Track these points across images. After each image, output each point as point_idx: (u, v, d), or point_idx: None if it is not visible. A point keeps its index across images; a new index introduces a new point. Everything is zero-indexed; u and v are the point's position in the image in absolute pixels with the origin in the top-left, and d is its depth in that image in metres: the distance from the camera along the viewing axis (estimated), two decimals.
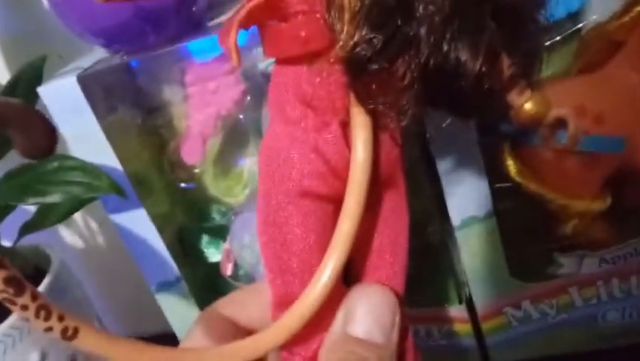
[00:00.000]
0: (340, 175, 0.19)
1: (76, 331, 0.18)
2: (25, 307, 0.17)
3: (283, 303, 0.20)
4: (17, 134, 0.16)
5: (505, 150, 0.33)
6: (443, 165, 0.32)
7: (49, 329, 0.18)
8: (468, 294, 0.37)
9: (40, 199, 0.32)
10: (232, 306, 0.23)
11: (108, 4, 0.20)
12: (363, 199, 0.19)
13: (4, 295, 0.17)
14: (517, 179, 0.33)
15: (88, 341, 0.18)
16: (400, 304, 0.20)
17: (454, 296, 0.39)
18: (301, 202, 0.19)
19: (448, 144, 0.32)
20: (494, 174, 0.33)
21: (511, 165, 0.33)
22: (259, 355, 0.20)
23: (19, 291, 0.17)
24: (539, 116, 0.21)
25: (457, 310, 0.38)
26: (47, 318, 0.17)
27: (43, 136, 0.17)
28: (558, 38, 0.33)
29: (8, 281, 0.17)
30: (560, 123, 0.22)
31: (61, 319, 0.18)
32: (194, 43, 0.37)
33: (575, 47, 0.33)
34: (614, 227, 0.34)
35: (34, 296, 0.17)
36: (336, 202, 0.20)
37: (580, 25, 0.33)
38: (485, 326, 0.38)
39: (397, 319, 0.20)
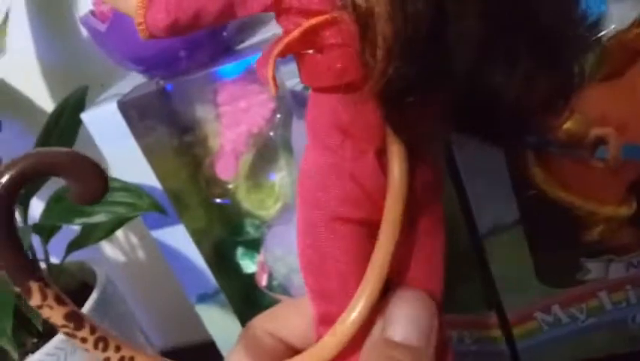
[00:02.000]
0: (376, 201, 0.20)
1: (132, 360, 0.19)
2: (84, 340, 0.19)
3: (325, 321, 0.21)
4: (70, 181, 0.17)
5: (530, 157, 0.34)
6: (469, 174, 0.33)
7: (108, 359, 0.19)
8: (498, 300, 0.38)
9: (86, 220, 0.35)
10: (274, 321, 0.24)
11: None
12: (399, 224, 0.20)
13: (66, 329, 0.18)
14: (543, 186, 0.34)
15: None
16: (438, 310, 0.21)
17: (484, 302, 0.39)
18: (337, 227, 0.20)
19: (473, 153, 0.33)
20: (520, 181, 0.34)
21: (536, 172, 0.34)
22: None
23: (79, 325, 0.18)
24: (580, 135, 0.21)
25: (487, 316, 0.39)
26: (105, 349, 0.19)
27: (95, 182, 0.17)
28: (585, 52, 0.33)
29: (69, 317, 0.18)
30: (600, 142, 0.22)
31: (117, 349, 0.19)
32: (225, 67, 0.38)
33: (595, 56, 0.34)
34: None
35: (93, 329, 0.19)
36: (372, 226, 0.20)
37: (599, 34, 0.33)
38: (516, 331, 0.38)
39: (435, 323, 0.20)
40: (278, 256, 0.42)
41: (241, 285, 0.45)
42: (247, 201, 0.45)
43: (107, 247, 0.58)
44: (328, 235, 0.20)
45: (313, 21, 0.17)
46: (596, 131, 0.21)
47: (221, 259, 0.45)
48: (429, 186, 0.21)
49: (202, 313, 0.43)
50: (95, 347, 0.19)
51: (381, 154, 0.20)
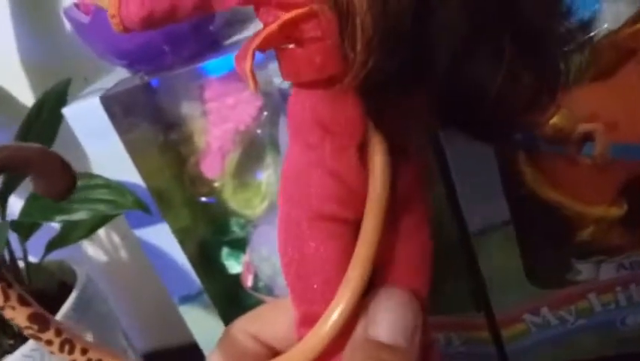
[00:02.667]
0: (358, 198, 0.19)
1: None
2: (49, 343, 0.18)
3: (307, 322, 0.20)
4: (37, 177, 0.17)
5: (521, 157, 0.34)
6: (459, 173, 0.33)
7: None
8: (486, 301, 0.37)
9: (66, 217, 0.34)
10: (255, 323, 0.23)
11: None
12: (381, 221, 0.19)
13: (30, 331, 0.18)
14: (533, 186, 0.34)
15: None
16: (422, 309, 0.20)
17: (472, 303, 0.39)
18: (320, 224, 0.20)
19: (463, 152, 0.32)
20: (510, 181, 0.33)
21: (527, 172, 0.34)
22: None
23: (43, 327, 0.18)
24: (567, 131, 0.20)
25: (475, 318, 0.38)
26: (71, 351, 0.18)
27: (62, 178, 0.17)
28: (570, 47, 0.33)
29: (33, 318, 0.18)
30: (587, 138, 0.22)
31: (84, 352, 0.18)
32: (212, 62, 0.38)
33: (587, 55, 0.34)
34: (631, 233, 0.34)
35: (59, 331, 0.18)
36: (355, 223, 0.20)
37: (592, 33, 0.33)
38: (504, 333, 0.38)
39: (419, 322, 0.20)
40: (264, 256, 0.41)
41: (226, 286, 0.44)
42: (233, 200, 0.44)
43: (88, 247, 0.57)
44: (310, 234, 0.20)
45: (292, 14, 0.17)
46: (583, 127, 0.21)
47: (206, 259, 0.44)
48: (413, 182, 0.21)
49: (185, 315, 0.42)
50: (61, 349, 0.18)
51: (363, 149, 0.19)
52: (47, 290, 0.42)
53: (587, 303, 0.36)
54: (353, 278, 0.19)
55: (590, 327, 0.36)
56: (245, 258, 0.44)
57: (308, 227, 0.20)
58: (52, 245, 0.41)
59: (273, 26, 0.17)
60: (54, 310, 0.39)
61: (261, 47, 0.18)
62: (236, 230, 0.45)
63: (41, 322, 0.17)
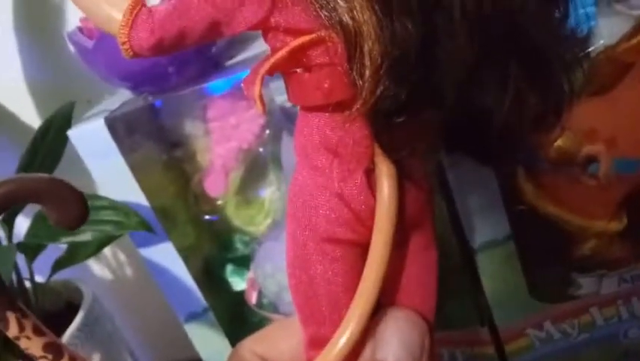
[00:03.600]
0: (365, 221, 0.20)
1: None
2: None
3: (315, 344, 0.21)
4: (49, 207, 0.17)
5: (520, 173, 0.34)
6: (459, 190, 0.33)
7: None
8: (490, 316, 0.37)
9: (72, 238, 0.34)
10: (263, 343, 0.24)
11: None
12: (389, 244, 0.19)
13: (45, 360, 0.18)
14: (534, 202, 0.34)
15: None
16: (429, 330, 0.21)
17: (476, 319, 0.39)
18: (327, 247, 0.20)
19: (464, 169, 0.33)
20: (511, 197, 0.34)
21: (527, 187, 0.34)
22: None
23: (58, 356, 0.18)
24: (571, 153, 0.20)
25: (479, 333, 0.39)
26: None
27: (74, 207, 0.17)
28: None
29: (48, 347, 0.18)
30: (590, 161, 0.22)
31: None
32: (214, 83, 0.38)
33: (585, 71, 0.34)
34: (632, 246, 0.34)
35: (73, 358, 0.18)
36: (362, 246, 0.20)
37: (589, 49, 0.33)
38: (508, 348, 0.38)
39: (427, 343, 0.20)
40: (268, 273, 0.41)
41: (230, 303, 0.44)
42: (237, 217, 0.44)
43: (94, 265, 0.58)
44: (317, 257, 0.20)
45: (300, 40, 0.17)
46: (586, 150, 0.21)
47: (211, 277, 0.45)
48: (419, 205, 0.21)
49: (191, 333, 0.42)
50: None
51: (370, 174, 0.19)
52: (54, 310, 0.42)
53: (590, 317, 0.36)
54: (361, 301, 0.20)
55: (593, 341, 0.37)
56: (249, 275, 0.44)
57: (315, 249, 0.20)
58: (59, 265, 0.42)
59: (282, 52, 0.17)
60: (61, 329, 0.39)
61: (270, 72, 0.18)
62: (240, 247, 0.46)
63: (56, 351, 0.18)
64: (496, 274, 0.35)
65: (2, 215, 0.17)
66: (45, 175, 0.17)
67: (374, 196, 0.19)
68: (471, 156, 0.20)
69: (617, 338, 0.36)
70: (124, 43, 0.20)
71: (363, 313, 0.19)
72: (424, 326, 0.21)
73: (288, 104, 0.39)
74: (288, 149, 0.41)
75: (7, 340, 0.36)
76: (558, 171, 0.33)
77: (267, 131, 0.41)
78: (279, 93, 0.40)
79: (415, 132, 0.18)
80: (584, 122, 0.32)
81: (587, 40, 0.34)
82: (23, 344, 0.17)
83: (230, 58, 0.40)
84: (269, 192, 0.44)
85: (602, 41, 0.33)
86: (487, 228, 0.34)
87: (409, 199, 0.20)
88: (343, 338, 0.19)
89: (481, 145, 0.19)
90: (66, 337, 0.39)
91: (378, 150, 0.19)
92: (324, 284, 0.20)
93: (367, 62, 0.16)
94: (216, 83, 0.38)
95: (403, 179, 0.20)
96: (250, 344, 0.24)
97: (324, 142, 0.19)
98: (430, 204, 0.22)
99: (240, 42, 0.41)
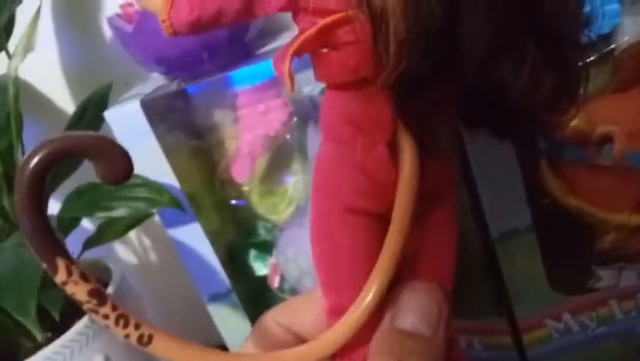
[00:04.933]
0: (387, 193, 0.20)
1: (150, 338, 0.20)
2: (106, 316, 0.19)
3: (336, 313, 0.21)
4: (98, 163, 0.18)
5: (543, 165, 0.34)
6: (482, 179, 0.34)
7: (127, 336, 0.20)
8: (509, 306, 0.38)
9: (106, 213, 0.35)
10: (287, 314, 0.24)
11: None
12: (410, 215, 0.20)
13: (89, 305, 0.19)
14: (556, 194, 0.34)
15: (161, 347, 0.20)
16: (447, 302, 0.21)
17: (494, 309, 0.39)
18: (350, 218, 0.21)
19: (486, 159, 0.33)
20: (533, 188, 0.34)
21: (549, 179, 0.35)
22: None
23: (101, 302, 0.19)
24: (586, 133, 0.21)
25: (497, 323, 0.39)
26: (125, 326, 0.20)
27: (121, 163, 0.18)
28: (592, 59, 0.34)
29: (92, 293, 0.19)
30: (606, 140, 0.23)
31: (137, 327, 0.20)
32: (245, 70, 0.39)
33: (608, 67, 0.34)
34: None
35: (114, 307, 0.19)
36: (383, 217, 0.21)
37: (612, 45, 0.34)
38: (526, 339, 0.38)
39: (444, 314, 0.21)
40: (290, 258, 0.42)
41: (253, 287, 0.45)
42: (260, 205, 0.45)
43: (120, 249, 0.59)
44: (341, 227, 0.21)
45: (329, 19, 0.18)
46: (601, 129, 0.22)
47: (234, 261, 0.46)
48: (441, 179, 0.22)
49: (213, 313, 0.43)
50: (116, 323, 0.19)
51: (392, 146, 0.20)
52: None
53: (608, 310, 0.36)
54: (381, 270, 0.20)
55: (611, 334, 0.37)
56: (271, 260, 0.45)
57: (338, 220, 0.21)
58: (89, 243, 0.43)
59: (311, 31, 0.18)
60: None
61: (299, 51, 0.19)
62: (262, 233, 0.47)
63: (99, 297, 0.19)
64: (516, 264, 0.36)
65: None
66: (93, 133, 0.18)
67: (396, 169, 0.20)
68: (489, 130, 0.21)
69: (635, 331, 0.36)
70: (164, 21, 0.21)
71: (383, 282, 0.20)
72: (442, 296, 0.21)
73: (316, 94, 0.40)
74: (315, 137, 0.42)
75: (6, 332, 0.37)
76: (580, 164, 0.34)
77: (295, 119, 0.42)
78: (307, 83, 0.41)
79: (436, 106, 0.19)
80: (608, 117, 0.32)
81: (610, 37, 0.35)
82: (70, 289, 0.18)
83: (261, 47, 0.41)
84: (293, 181, 0.45)
85: (626, 38, 0.34)
86: (508, 217, 0.35)
87: (430, 172, 0.21)
88: (362, 306, 0.20)
89: (499, 120, 0.20)
90: None
91: (400, 125, 0.20)
92: (346, 254, 0.21)
93: (392, 38, 0.17)
94: (246, 71, 0.39)
95: (424, 153, 0.20)
96: (274, 315, 0.25)
97: (348, 117, 0.20)
98: (452, 180, 0.23)
99: (270, 32, 0.42)
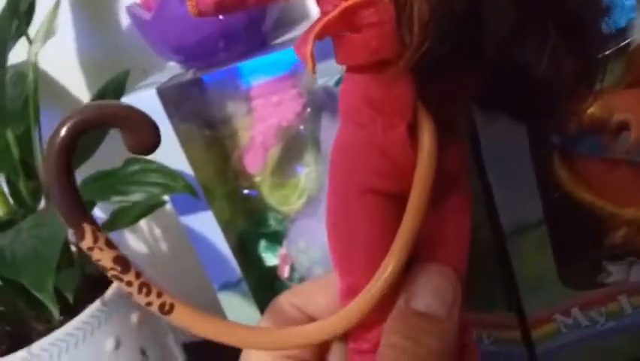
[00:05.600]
0: (405, 174, 0.20)
1: (172, 307, 0.20)
2: (129, 284, 0.20)
3: (350, 293, 0.21)
4: (127, 133, 0.18)
5: (556, 158, 0.35)
6: (494, 173, 0.34)
7: (149, 304, 0.20)
8: (518, 300, 0.38)
9: (123, 198, 0.36)
10: (300, 295, 0.25)
11: (196, 19, 0.22)
12: (427, 197, 0.20)
13: (113, 272, 0.19)
14: (568, 187, 0.35)
15: (182, 316, 0.20)
16: (461, 284, 0.21)
17: (504, 302, 0.40)
18: (367, 199, 0.21)
19: (499, 152, 0.33)
20: (545, 182, 0.34)
21: (561, 173, 0.35)
22: (324, 339, 0.21)
23: (125, 269, 0.19)
24: (602, 120, 0.21)
25: (506, 317, 0.39)
26: (148, 294, 0.20)
27: (150, 135, 0.19)
28: (607, 53, 0.34)
29: (117, 260, 0.19)
30: (622, 128, 0.23)
31: (159, 295, 0.20)
32: (260, 60, 0.40)
33: (623, 61, 0.35)
34: None
35: (138, 274, 0.20)
36: (401, 199, 0.21)
37: (627, 40, 0.34)
38: (535, 333, 0.38)
39: (458, 297, 0.21)
40: (301, 248, 0.43)
41: (263, 277, 0.46)
42: (271, 197, 0.46)
43: (131, 238, 0.60)
44: (358, 207, 0.21)
45: (352, 1, 0.18)
46: (618, 116, 0.22)
47: (244, 251, 0.46)
48: (458, 164, 0.22)
49: (224, 301, 0.43)
50: (139, 291, 0.20)
51: (411, 129, 0.20)
52: (95, 274, 0.44)
53: (618, 305, 0.36)
54: (397, 251, 0.20)
55: (620, 329, 0.37)
56: (282, 250, 0.45)
57: (355, 201, 0.21)
58: (102, 230, 0.43)
59: (334, 13, 0.18)
60: (102, 292, 0.41)
61: (321, 34, 0.19)
62: (273, 224, 0.47)
63: (124, 264, 0.19)
64: (526, 258, 0.36)
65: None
66: (123, 103, 0.19)
67: (415, 151, 0.20)
68: (506, 112, 0.21)
69: None
70: (190, 0, 0.21)
71: (398, 263, 0.20)
72: (456, 280, 0.22)
73: (331, 85, 0.40)
74: (328, 129, 0.42)
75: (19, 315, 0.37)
76: (592, 158, 0.34)
77: (308, 110, 0.42)
78: (321, 74, 0.41)
79: (456, 89, 0.19)
80: (625, 107, 0.33)
81: (625, 32, 0.35)
82: (96, 255, 0.19)
83: (277, 38, 0.41)
84: (305, 172, 0.45)
85: None
86: (520, 211, 0.35)
87: (449, 155, 0.21)
88: (376, 286, 0.20)
89: (518, 103, 0.20)
90: (105, 299, 0.41)
91: (420, 107, 0.20)
92: (363, 234, 0.21)
93: (416, 19, 0.17)
94: (261, 61, 0.39)
95: (443, 137, 0.20)
96: (288, 296, 0.25)
97: (367, 99, 0.20)
98: (466, 165, 0.23)
99: (286, 23, 0.43)
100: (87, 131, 0.18)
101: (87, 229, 0.19)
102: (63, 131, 0.18)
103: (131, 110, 0.18)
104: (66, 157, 0.18)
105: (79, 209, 0.19)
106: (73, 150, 0.18)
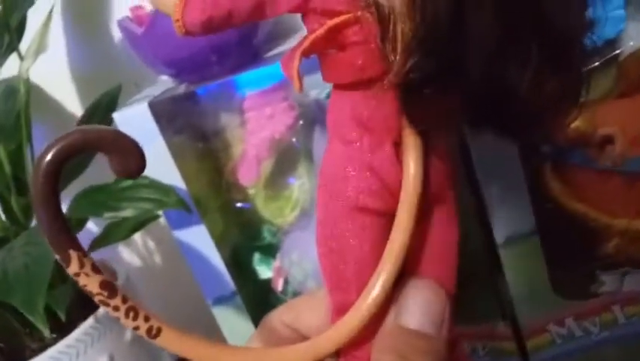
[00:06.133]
0: (393, 192, 0.21)
1: (159, 330, 0.20)
2: (116, 308, 0.20)
3: (341, 310, 0.21)
4: (113, 157, 0.18)
5: (547, 169, 0.35)
6: (487, 184, 0.34)
7: (137, 328, 0.20)
8: (512, 311, 0.38)
9: (113, 213, 0.36)
10: (291, 313, 0.25)
11: (185, 37, 0.22)
12: (414, 214, 0.20)
13: (100, 297, 0.19)
14: (560, 198, 0.35)
15: (170, 340, 0.20)
16: (449, 301, 0.21)
17: (498, 313, 0.40)
18: (356, 216, 0.21)
19: (491, 164, 0.33)
20: (537, 193, 0.35)
21: (553, 184, 0.35)
22: (315, 360, 0.21)
23: (112, 294, 0.19)
24: (587, 134, 0.21)
25: (501, 328, 0.39)
26: (135, 318, 0.20)
27: (135, 159, 0.19)
28: (597, 64, 0.34)
29: (103, 285, 0.19)
30: (606, 142, 0.23)
31: (146, 319, 0.20)
32: (252, 73, 0.40)
33: (614, 72, 0.35)
34: None
35: (125, 299, 0.20)
36: (388, 216, 0.21)
37: (618, 51, 0.34)
38: (529, 344, 0.38)
39: (447, 313, 0.21)
40: (294, 261, 0.43)
41: (257, 290, 0.46)
42: (265, 209, 0.46)
43: (124, 251, 0.59)
44: (347, 225, 0.21)
45: (337, 20, 0.18)
46: (602, 130, 0.22)
47: (238, 264, 0.46)
48: (444, 179, 0.22)
49: (218, 315, 0.43)
50: (126, 315, 0.20)
51: (398, 146, 0.20)
52: None
53: (611, 315, 0.36)
54: (385, 268, 0.20)
55: (614, 339, 0.37)
56: (276, 263, 0.45)
57: (345, 218, 0.21)
58: (96, 243, 0.43)
59: (320, 31, 0.19)
60: (95, 306, 0.41)
61: (307, 51, 0.19)
62: (267, 236, 0.47)
63: (110, 289, 0.19)
64: (519, 268, 0.36)
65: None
66: (108, 127, 0.19)
67: (401, 166, 0.20)
68: (493, 128, 0.21)
69: (638, 336, 0.37)
70: (177, 20, 0.21)
71: (387, 280, 0.20)
72: (445, 296, 0.21)
73: (322, 97, 0.40)
74: (320, 141, 0.42)
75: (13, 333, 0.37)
76: (584, 169, 0.34)
77: (301, 122, 0.42)
78: (313, 87, 0.42)
79: (441, 106, 0.19)
80: (613, 122, 0.33)
81: (615, 43, 0.35)
82: (82, 280, 0.19)
83: (269, 50, 0.41)
84: (298, 184, 0.45)
85: (631, 43, 0.34)
86: (512, 222, 0.35)
87: (434, 173, 0.21)
88: (365, 304, 0.20)
89: (502, 120, 0.20)
90: (99, 314, 0.41)
91: (405, 124, 0.20)
92: (352, 252, 0.21)
93: (399, 38, 0.17)
94: (254, 74, 0.40)
95: (428, 153, 0.21)
96: (279, 314, 0.25)
97: (355, 117, 0.20)
98: (454, 180, 0.23)
99: (278, 36, 0.43)
100: (73, 157, 0.18)
101: (73, 255, 0.18)
102: (48, 157, 0.18)
103: (117, 135, 0.18)
104: (52, 183, 0.18)
105: (65, 235, 0.18)
106: (59, 175, 0.18)
